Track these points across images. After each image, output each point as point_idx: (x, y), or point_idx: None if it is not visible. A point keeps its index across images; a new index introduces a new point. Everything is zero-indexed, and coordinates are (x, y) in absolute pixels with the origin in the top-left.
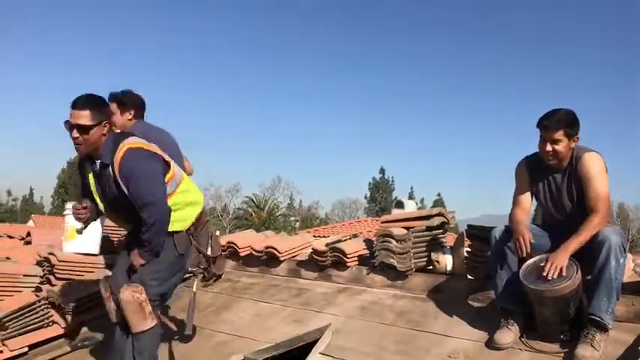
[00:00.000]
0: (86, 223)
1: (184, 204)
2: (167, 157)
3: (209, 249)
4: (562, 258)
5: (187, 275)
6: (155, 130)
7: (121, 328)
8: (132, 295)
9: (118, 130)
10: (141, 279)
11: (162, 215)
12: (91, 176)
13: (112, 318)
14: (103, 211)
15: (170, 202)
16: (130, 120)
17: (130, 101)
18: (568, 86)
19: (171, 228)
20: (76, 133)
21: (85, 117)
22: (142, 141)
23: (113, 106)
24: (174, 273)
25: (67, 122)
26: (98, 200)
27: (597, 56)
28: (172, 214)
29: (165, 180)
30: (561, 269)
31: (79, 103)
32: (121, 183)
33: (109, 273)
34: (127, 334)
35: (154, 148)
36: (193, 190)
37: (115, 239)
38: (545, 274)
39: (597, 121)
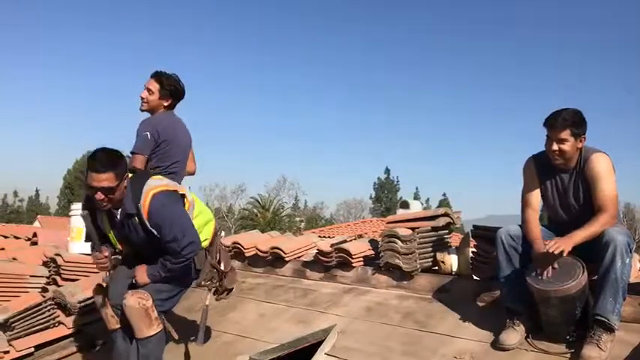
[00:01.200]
0: (110, 271)
1: (202, 225)
2: (179, 187)
3: (222, 264)
4: (567, 243)
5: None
6: (174, 123)
7: (123, 334)
8: (138, 302)
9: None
10: (148, 291)
11: (196, 251)
12: (104, 218)
13: (109, 325)
14: (121, 249)
15: None
16: (164, 107)
17: (174, 92)
18: (578, 85)
19: None
20: (101, 196)
21: (108, 180)
22: (161, 182)
23: (155, 86)
24: (182, 289)
25: (89, 187)
26: (114, 240)
27: (610, 55)
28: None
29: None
30: (562, 252)
31: (99, 167)
32: (152, 230)
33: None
34: (130, 339)
35: (172, 185)
36: (204, 209)
37: None
38: (547, 248)
39: (604, 121)
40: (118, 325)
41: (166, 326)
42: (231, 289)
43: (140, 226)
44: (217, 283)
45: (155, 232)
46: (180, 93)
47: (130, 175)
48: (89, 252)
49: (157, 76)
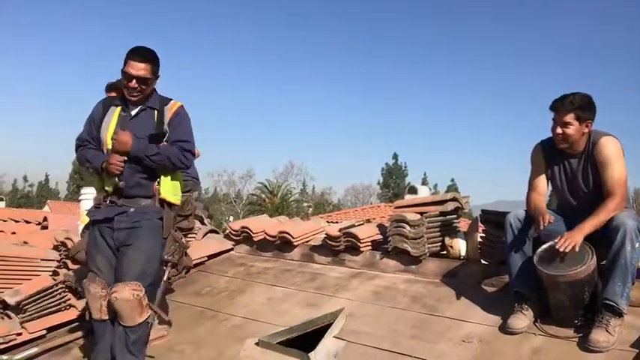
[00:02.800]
0: (120, 177)
1: (179, 185)
2: None
3: (182, 240)
4: (577, 236)
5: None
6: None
7: (109, 325)
8: (132, 294)
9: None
10: (135, 271)
11: (189, 164)
12: (114, 119)
13: (101, 316)
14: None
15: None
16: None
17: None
18: (594, 70)
19: (167, 196)
20: (135, 84)
21: (145, 70)
22: None
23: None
24: (158, 259)
25: (126, 75)
26: (109, 140)
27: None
28: (175, 183)
29: None
30: (574, 246)
31: (140, 56)
32: (165, 123)
33: None
34: (114, 327)
35: None
36: (180, 187)
37: None
38: (558, 246)
39: (616, 105)
40: (107, 317)
41: (154, 309)
42: (190, 268)
43: (155, 122)
44: (177, 259)
45: (166, 129)
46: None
47: None
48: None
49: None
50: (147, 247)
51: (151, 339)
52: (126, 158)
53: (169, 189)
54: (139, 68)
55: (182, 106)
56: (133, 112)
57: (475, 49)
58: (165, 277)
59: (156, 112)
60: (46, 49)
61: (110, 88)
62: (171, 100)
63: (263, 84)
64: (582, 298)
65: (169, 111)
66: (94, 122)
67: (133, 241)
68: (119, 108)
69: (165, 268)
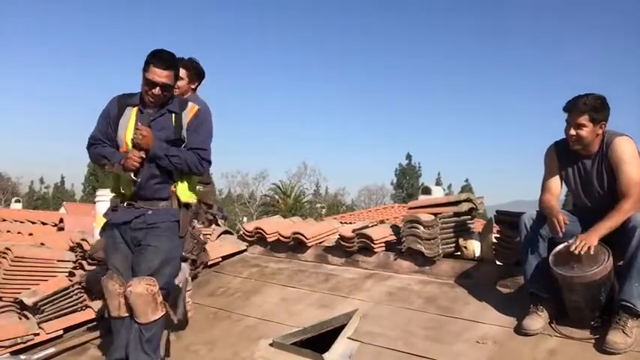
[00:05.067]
0: (136, 172)
1: (194, 185)
2: None
3: (200, 236)
4: (592, 238)
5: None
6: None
7: (129, 322)
8: (146, 289)
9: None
10: (150, 268)
11: (203, 172)
12: (132, 120)
13: (119, 313)
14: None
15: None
16: (192, 90)
17: (200, 74)
18: (610, 69)
19: (183, 197)
20: (159, 91)
21: (168, 77)
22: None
23: (182, 72)
24: (177, 260)
25: (149, 82)
26: (128, 140)
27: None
28: (191, 184)
29: None
30: (589, 248)
31: (163, 63)
32: (183, 128)
33: None
34: (131, 325)
35: None
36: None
37: None
38: (572, 249)
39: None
40: (128, 313)
41: (167, 310)
42: (207, 263)
43: (173, 125)
44: (196, 255)
45: (184, 135)
46: (203, 74)
47: None
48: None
49: (181, 63)
50: (164, 248)
51: None
52: (144, 155)
53: (185, 190)
54: (163, 76)
55: (200, 109)
56: (152, 115)
57: (492, 46)
58: (186, 275)
59: (174, 115)
60: (60, 50)
61: (182, 63)
62: (189, 102)
63: (277, 85)
64: (598, 299)
65: (188, 115)
66: (110, 120)
67: (151, 241)
68: (136, 108)
69: (185, 265)
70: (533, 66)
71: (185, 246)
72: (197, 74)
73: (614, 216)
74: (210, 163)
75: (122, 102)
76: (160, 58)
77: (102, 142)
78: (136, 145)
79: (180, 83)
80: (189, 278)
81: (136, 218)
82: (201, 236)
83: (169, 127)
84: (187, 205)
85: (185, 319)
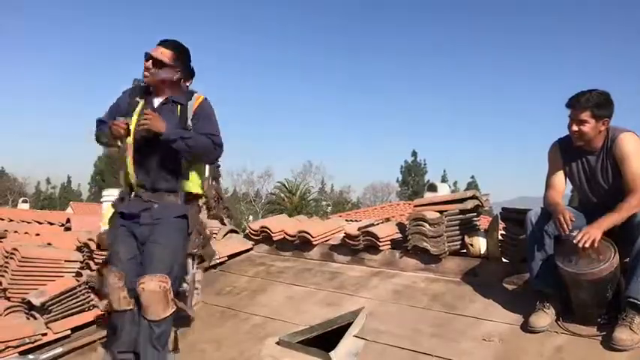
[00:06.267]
0: (117, 140)
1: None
2: None
3: (206, 231)
4: (596, 231)
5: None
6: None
7: (132, 316)
8: (159, 286)
9: None
10: (161, 265)
11: (218, 157)
12: (137, 111)
13: (117, 306)
14: (133, 141)
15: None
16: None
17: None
18: (615, 64)
19: (192, 188)
20: (149, 64)
21: (164, 54)
22: None
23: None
24: (185, 256)
25: (146, 54)
26: (132, 127)
27: None
28: (199, 173)
29: None
30: (593, 241)
31: (164, 42)
32: (188, 118)
33: None
34: (139, 321)
35: None
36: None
37: None
38: (576, 241)
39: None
40: (130, 306)
41: (180, 305)
42: (212, 256)
43: (178, 117)
44: (202, 250)
45: (190, 123)
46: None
47: None
48: None
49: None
50: (172, 244)
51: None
52: (128, 122)
53: (194, 181)
54: (158, 51)
55: (206, 99)
56: (156, 104)
57: (498, 43)
58: (193, 270)
59: (179, 106)
60: (66, 49)
61: None
62: (195, 93)
63: (281, 83)
64: (605, 296)
65: (193, 105)
66: (119, 109)
67: (158, 237)
68: (143, 100)
69: (191, 261)
70: (540, 62)
71: (192, 241)
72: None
73: (620, 211)
74: (222, 147)
75: (133, 92)
76: (164, 40)
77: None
78: (147, 131)
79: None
80: (197, 274)
81: (144, 212)
82: (207, 230)
83: (173, 117)
84: (196, 196)
85: (192, 315)
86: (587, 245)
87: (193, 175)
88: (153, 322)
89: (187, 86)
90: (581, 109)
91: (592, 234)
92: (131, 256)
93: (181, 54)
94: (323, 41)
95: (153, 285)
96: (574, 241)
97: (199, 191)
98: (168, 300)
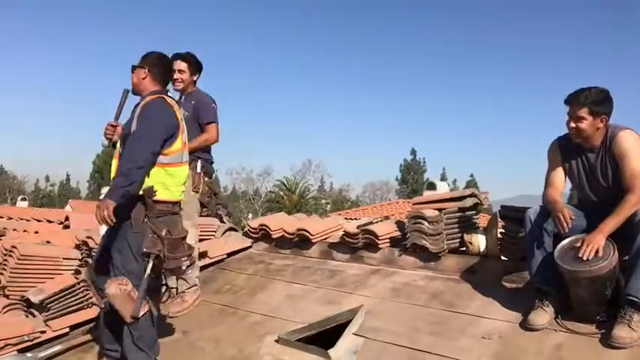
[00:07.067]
0: (110, 141)
1: (163, 181)
2: (183, 134)
3: (164, 231)
4: (599, 239)
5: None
6: (202, 97)
7: (110, 318)
8: (119, 289)
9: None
10: (115, 268)
11: (148, 151)
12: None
13: (99, 303)
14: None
15: (155, 169)
16: (194, 82)
17: (200, 67)
18: (615, 63)
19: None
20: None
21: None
22: (168, 99)
23: (183, 65)
24: (136, 256)
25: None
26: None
27: None
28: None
29: (165, 149)
30: (597, 250)
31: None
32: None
33: None
34: (122, 324)
35: (177, 109)
36: (177, 182)
37: None
38: (580, 255)
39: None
40: (102, 305)
41: (150, 305)
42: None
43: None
44: (160, 252)
45: (133, 129)
46: (202, 66)
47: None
48: None
49: (182, 56)
50: (118, 246)
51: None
52: (115, 123)
53: (146, 183)
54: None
55: (153, 98)
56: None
57: (496, 41)
58: (147, 271)
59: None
60: (66, 49)
61: (182, 57)
62: (151, 95)
63: (281, 81)
64: (604, 293)
65: (141, 105)
66: None
67: (112, 239)
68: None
69: (148, 260)
70: (538, 60)
71: (145, 242)
72: (198, 68)
73: (620, 211)
74: (140, 140)
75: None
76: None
77: None
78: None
79: (183, 77)
80: (148, 274)
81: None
82: (164, 231)
83: (131, 121)
84: (142, 197)
85: (139, 316)
86: (592, 256)
87: (148, 178)
88: (130, 325)
89: (194, 80)
90: (579, 105)
91: (595, 243)
92: (98, 256)
93: (145, 61)
94: (323, 40)
95: (113, 289)
96: (579, 255)
97: (156, 197)
98: (134, 301)
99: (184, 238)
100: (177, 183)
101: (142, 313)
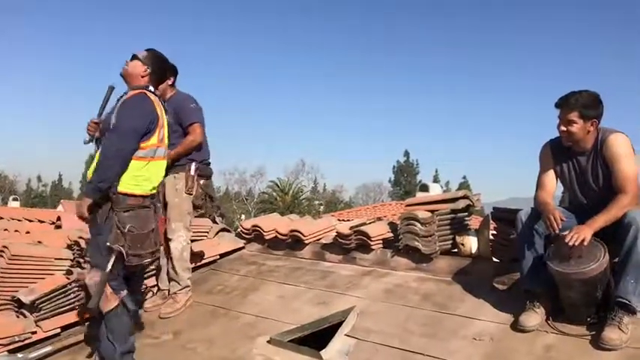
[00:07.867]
0: (92, 138)
1: (134, 175)
2: (161, 130)
3: (128, 226)
4: (586, 231)
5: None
6: (180, 100)
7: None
8: (89, 278)
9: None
10: (90, 260)
11: (121, 146)
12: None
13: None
14: None
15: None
16: (170, 85)
17: (172, 69)
18: (608, 65)
19: (120, 185)
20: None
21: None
22: (150, 94)
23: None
24: (102, 250)
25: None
26: None
27: None
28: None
29: (142, 144)
30: (583, 240)
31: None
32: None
33: None
34: (100, 318)
35: (158, 105)
36: (148, 176)
37: None
38: (566, 240)
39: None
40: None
41: (124, 301)
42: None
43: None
44: (123, 246)
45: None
46: (173, 65)
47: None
48: None
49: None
50: (92, 239)
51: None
52: (97, 120)
53: (123, 180)
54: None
55: (134, 94)
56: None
57: (489, 44)
58: (108, 267)
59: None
60: (59, 48)
61: None
62: (136, 90)
63: (274, 82)
64: (595, 295)
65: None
66: None
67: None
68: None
69: (111, 255)
70: (532, 63)
71: (110, 237)
72: (172, 72)
73: (611, 210)
74: (117, 130)
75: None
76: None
77: None
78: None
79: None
80: (108, 269)
81: None
82: (128, 226)
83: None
84: (129, 196)
85: (98, 309)
86: (577, 243)
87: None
88: (104, 317)
89: (171, 84)
90: (569, 109)
91: (582, 233)
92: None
93: (143, 55)
94: (316, 41)
95: (87, 280)
96: (565, 240)
97: (126, 190)
98: (106, 294)
99: (151, 232)
100: (148, 178)
101: (107, 309)
